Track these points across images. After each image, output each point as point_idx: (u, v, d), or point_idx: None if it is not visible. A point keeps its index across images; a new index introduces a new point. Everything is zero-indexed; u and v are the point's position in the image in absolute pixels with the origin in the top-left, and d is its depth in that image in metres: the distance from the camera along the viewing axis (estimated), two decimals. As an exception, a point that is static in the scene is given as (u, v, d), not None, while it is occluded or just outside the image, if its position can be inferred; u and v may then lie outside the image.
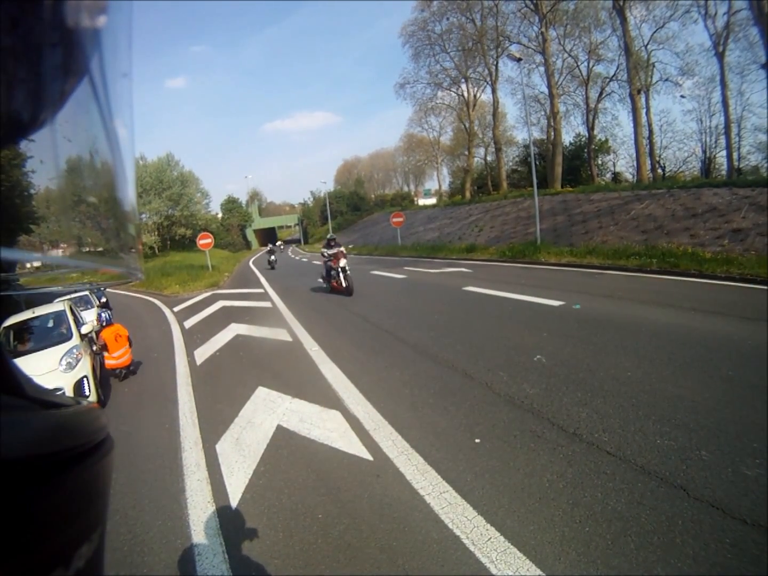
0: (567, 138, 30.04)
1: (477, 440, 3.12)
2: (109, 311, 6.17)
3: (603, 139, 30.43)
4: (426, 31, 30.84)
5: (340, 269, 9.85)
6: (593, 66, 27.35)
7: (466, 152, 34.03)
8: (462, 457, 2.94)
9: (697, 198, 12.22)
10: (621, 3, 21.53)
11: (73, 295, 8.64)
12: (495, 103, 29.77)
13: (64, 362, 4.91)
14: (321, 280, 10.94)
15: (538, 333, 5.40)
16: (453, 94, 33.22)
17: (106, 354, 5.70)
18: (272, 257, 22.42)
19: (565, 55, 27.31)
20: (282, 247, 30.18)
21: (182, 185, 45.23)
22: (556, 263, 11.70)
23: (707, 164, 27.13)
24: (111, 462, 0.29)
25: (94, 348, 5.90)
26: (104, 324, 5.84)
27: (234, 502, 2.79)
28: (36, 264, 0.30)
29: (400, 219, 23.86)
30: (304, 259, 29.45)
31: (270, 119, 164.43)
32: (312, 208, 63.24)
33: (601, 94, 27.90)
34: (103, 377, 5.86)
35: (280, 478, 2.99)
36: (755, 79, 22.40)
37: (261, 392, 4.58)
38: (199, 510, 2.75)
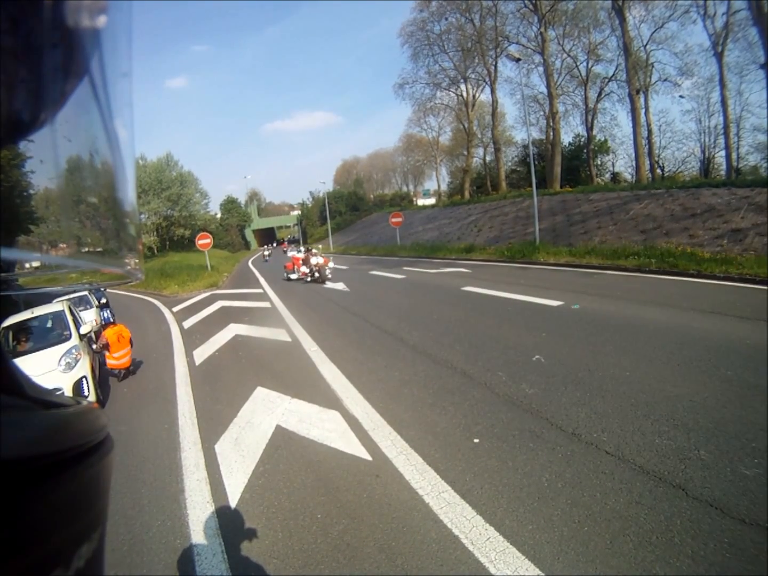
0: (566, 138, 30.14)
1: (476, 440, 3.12)
2: (110, 310, 6.14)
3: (602, 139, 30.53)
4: (425, 32, 30.85)
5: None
6: (592, 66, 27.46)
7: (465, 152, 34.03)
8: (461, 457, 2.94)
9: (696, 198, 12.23)
10: (620, 3, 21.53)
11: (72, 296, 8.63)
12: (494, 104, 29.79)
13: (63, 362, 4.91)
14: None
15: (536, 333, 5.40)
16: (452, 95, 33.26)
17: (107, 353, 5.69)
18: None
19: (564, 55, 27.41)
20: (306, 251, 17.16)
21: (181, 185, 45.26)
22: (555, 263, 11.71)
23: (706, 164, 27.19)
24: (111, 462, 0.29)
25: (94, 347, 5.88)
26: (105, 323, 5.81)
27: (233, 502, 2.79)
28: (35, 264, 0.30)
29: (399, 219, 23.90)
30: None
31: (270, 119, 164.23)
32: (311, 208, 63.10)
33: (600, 94, 27.98)
34: (103, 377, 5.86)
35: (279, 478, 2.99)
36: (754, 79, 22.48)
37: (260, 392, 4.57)
38: (199, 510, 2.75)
